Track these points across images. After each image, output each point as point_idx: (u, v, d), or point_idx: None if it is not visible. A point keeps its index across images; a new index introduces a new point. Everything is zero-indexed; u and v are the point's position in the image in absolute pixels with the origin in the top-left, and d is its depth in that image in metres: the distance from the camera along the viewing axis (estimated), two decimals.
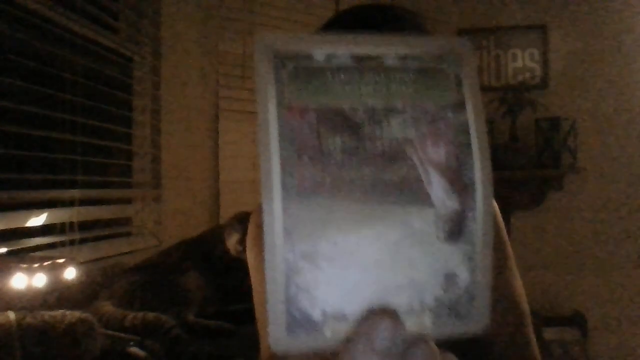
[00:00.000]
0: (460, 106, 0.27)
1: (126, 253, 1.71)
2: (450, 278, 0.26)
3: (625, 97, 2.70)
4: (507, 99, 2.61)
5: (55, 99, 1.44)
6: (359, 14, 0.66)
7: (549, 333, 2.45)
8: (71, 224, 1.46)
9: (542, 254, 2.70)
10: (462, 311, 0.26)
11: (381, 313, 0.24)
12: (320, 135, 0.25)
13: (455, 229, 0.26)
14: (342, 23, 0.66)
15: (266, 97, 0.24)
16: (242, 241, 1.53)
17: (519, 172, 2.60)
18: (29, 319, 0.94)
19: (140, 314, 1.29)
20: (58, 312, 0.99)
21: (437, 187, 0.26)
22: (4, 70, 1.26)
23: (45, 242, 1.40)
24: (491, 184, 0.26)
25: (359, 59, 0.26)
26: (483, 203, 0.26)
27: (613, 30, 2.71)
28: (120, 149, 1.87)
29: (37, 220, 1.37)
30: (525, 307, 0.68)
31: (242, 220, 1.56)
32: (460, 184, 0.26)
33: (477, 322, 0.27)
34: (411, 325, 0.25)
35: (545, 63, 2.77)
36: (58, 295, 1.18)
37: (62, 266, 1.14)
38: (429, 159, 0.26)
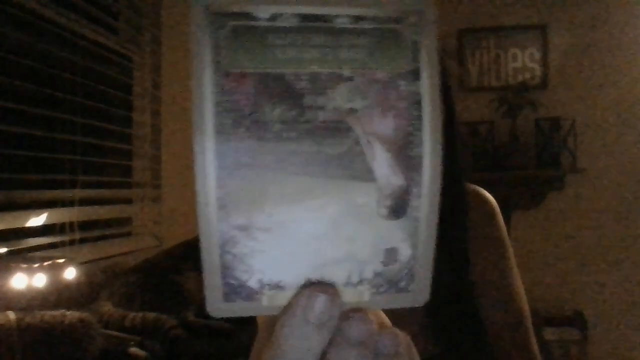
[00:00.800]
0: (414, 75, 0.25)
1: (126, 253, 1.71)
2: (390, 253, 0.25)
3: (626, 97, 2.70)
4: (507, 99, 2.61)
5: (55, 99, 1.44)
6: None
7: (549, 333, 2.45)
8: (71, 224, 1.46)
9: (542, 254, 2.70)
10: (402, 285, 0.25)
11: (318, 285, 0.24)
12: (259, 104, 0.23)
13: (399, 205, 0.25)
14: None
15: (202, 61, 0.23)
16: None
17: (519, 172, 2.59)
18: (29, 319, 0.94)
19: (140, 314, 1.29)
20: (58, 312, 0.99)
21: (382, 162, 0.24)
22: (4, 70, 1.26)
23: (45, 242, 1.40)
24: (440, 159, 0.25)
25: (305, 19, 0.24)
26: (430, 179, 0.25)
27: (613, 30, 2.71)
28: (120, 149, 1.87)
29: (37, 220, 1.37)
30: (526, 307, 0.68)
31: None
32: (406, 159, 0.25)
33: (416, 296, 0.26)
34: (348, 297, 0.25)
35: (545, 63, 2.77)
36: (58, 295, 1.18)
37: (62, 266, 1.14)
38: (375, 131, 0.24)
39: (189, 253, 1.58)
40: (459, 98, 2.63)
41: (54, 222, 1.44)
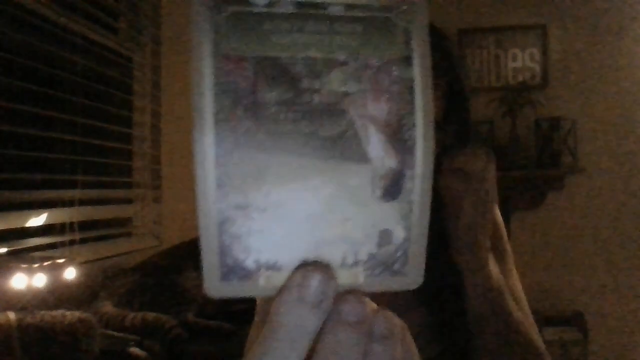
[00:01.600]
0: (406, 61, 0.26)
1: (126, 253, 1.71)
2: (384, 235, 0.25)
3: (626, 96, 2.70)
4: (507, 99, 2.61)
5: (55, 99, 1.44)
6: None
7: (549, 333, 2.45)
8: (71, 224, 1.46)
9: (542, 254, 2.70)
10: (396, 267, 0.26)
11: (313, 265, 0.24)
12: (256, 86, 0.24)
13: (393, 188, 0.25)
14: None
15: (201, 45, 0.24)
16: None
17: (519, 172, 2.59)
18: (29, 319, 0.94)
19: (140, 314, 1.29)
20: (58, 312, 0.99)
21: (376, 145, 0.25)
22: (4, 70, 1.26)
23: (45, 242, 1.40)
24: (432, 143, 0.25)
25: (301, 6, 0.25)
26: (423, 162, 0.25)
27: (613, 30, 2.71)
28: (120, 149, 1.87)
29: (37, 220, 1.37)
30: (526, 307, 0.68)
31: None
32: (400, 142, 0.25)
33: (410, 278, 0.26)
34: (343, 279, 0.25)
35: (545, 63, 2.77)
36: (58, 295, 1.18)
37: (62, 266, 1.14)
38: (369, 115, 0.25)
39: (188, 253, 1.58)
40: None
41: (54, 222, 1.44)
